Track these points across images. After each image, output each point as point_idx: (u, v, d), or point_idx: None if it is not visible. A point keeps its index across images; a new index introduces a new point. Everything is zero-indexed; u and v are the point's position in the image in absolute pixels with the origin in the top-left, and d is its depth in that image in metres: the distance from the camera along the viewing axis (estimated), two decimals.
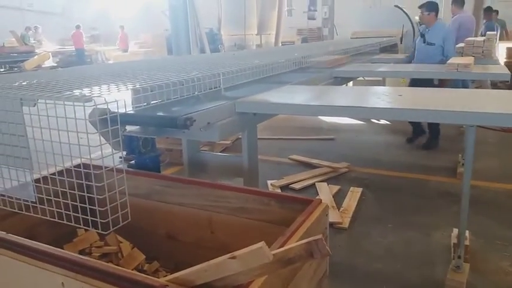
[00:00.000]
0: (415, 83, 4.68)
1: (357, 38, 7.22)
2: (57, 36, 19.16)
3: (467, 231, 2.64)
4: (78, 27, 15.74)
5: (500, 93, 2.75)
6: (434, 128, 5.15)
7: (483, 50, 4.99)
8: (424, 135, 5.27)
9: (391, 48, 6.75)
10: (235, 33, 7.94)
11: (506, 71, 3.87)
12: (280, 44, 9.16)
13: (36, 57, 13.86)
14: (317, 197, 2.47)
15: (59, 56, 15.81)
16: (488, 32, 6.68)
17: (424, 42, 5.04)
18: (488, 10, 8.81)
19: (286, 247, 1.06)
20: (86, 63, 14.45)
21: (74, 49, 16.22)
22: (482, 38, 5.24)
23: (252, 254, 1.02)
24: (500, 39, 10.02)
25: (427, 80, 4.24)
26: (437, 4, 5.12)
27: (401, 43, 7.09)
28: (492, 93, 2.81)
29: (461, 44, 5.28)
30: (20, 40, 14.86)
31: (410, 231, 3.16)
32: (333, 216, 3.27)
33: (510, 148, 5.12)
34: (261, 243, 1.02)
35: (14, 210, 1.67)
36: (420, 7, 5.09)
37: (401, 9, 7.83)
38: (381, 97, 2.54)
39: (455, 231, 2.83)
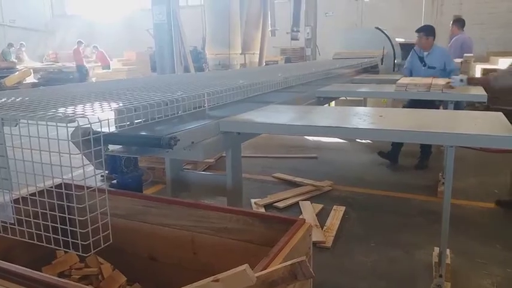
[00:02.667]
0: (414, 104, 4.66)
1: (339, 58, 7.35)
2: (39, 53, 19.03)
3: (448, 250, 2.67)
4: (79, 43, 15.33)
5: (478, 114, 2.83)
6: (425, 148, 5.22)
7: (461, 71, 5.16)
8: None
9: (371, 69, 6.88)
10: (219, 52, 7.99)
11: (483, 92, 3.99)
12: (264, 64, 9.26)
13: (17, 73, 13.67)
14: (300, 216, 2.46)
15: (40, 72, 15.61)
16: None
17: (425, 65, 5.10)
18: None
19: (269, 269, 1.06)
20: (85, 80, 14.16)
21: (55, 66, 16.08)
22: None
23: (235, 277, 1.02)
24: None
25: (426, 101, 4.29)
26: (434, 28, 5.15)
27: (382, 64, 7.25)
28: (470, 114, 2.89)
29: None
30: (0, 56, 14.66)
31: (393, 249, 3.18)
32: (316, 235, 3.27)
33: (489, 167, 5.23)
34: (245, 266, 1.01)
35: None
36: (418, 31, 5.10)
37: (382, 31, 8.03)
38: (363, 118, 2.58)
39: (437, 249, 2.86)
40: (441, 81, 4.53)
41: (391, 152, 5.35)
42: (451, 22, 7.43)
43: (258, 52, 8.94)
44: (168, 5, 5.59)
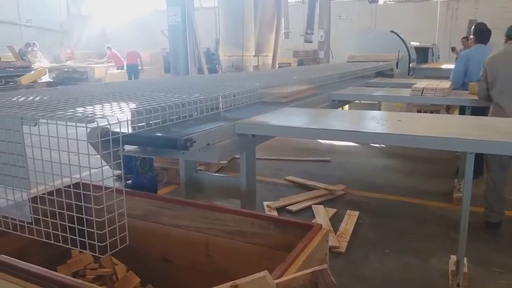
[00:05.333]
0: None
1: (353, 61, 7.29)
2: (54, 53, 19.26)
3: (465, 258, 2.61)
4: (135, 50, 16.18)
5: (500, 121, 2.77)
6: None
7: None
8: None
9: (387, 73, 6.81)
10: (233, 54, 7.98)
11: None
12: (277, 66, 9.22)
13: (32, 72, 13.85)
14: (313, 221, 2.44)
15: (55, 71, 15.83)
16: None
17: None
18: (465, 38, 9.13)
19: (289, 277, 1.03)
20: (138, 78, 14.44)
21: (69, 66, 16.34)
22: None
23: (254, 283, 1.00)
24: None
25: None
26: (480, 31, 5.04)
27: (397, 68, 7.17)
28: (492, 120, 2.83)
29: None
30: (17, 55, 14.87)
31: (408, 256, 3.13)
32: (331, 240, 3.23)
33: None
34: (264, 272, 0.99)
35: (6, 230, 1.63)
36: None
37: (397, 35, 7.94)
38: (380, 122, 2.54)
39: (453, 257, 2.80)
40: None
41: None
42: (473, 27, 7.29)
43: (272, 54, 8.91)
44: (183, 6, 5.61)
